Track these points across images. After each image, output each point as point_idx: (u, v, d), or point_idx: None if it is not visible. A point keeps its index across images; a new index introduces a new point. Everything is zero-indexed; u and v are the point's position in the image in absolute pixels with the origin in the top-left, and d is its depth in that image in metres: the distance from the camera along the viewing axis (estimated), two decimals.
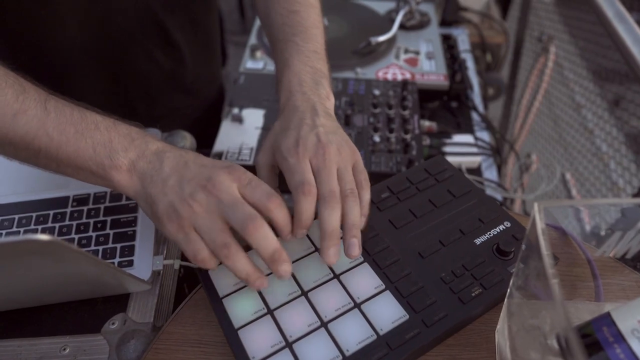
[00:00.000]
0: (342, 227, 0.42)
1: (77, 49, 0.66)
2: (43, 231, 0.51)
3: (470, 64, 0.92)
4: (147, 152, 0.43)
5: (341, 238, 0.42)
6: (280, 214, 0.41)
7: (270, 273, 0.43)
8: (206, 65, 0.83)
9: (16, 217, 0.53)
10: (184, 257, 0.49)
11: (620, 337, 0.31)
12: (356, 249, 0.42)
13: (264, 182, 0.45)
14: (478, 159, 0.72)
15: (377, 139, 0.66)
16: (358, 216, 0.42)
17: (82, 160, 0.42)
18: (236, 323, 0.41)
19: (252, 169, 0.46)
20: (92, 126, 0.42)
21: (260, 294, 0.43)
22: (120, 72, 0.72)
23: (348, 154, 0.45)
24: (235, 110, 0.72)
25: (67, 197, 0.54)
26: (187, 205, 0.39)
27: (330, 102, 0.51)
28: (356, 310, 0.41)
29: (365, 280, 0.43)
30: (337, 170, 0.43)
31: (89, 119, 0.43)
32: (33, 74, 0.44)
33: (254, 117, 0.71)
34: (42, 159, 0.43)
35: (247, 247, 0.41)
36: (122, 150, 0.42)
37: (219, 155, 0.65)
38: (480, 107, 0.83)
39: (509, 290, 0.38)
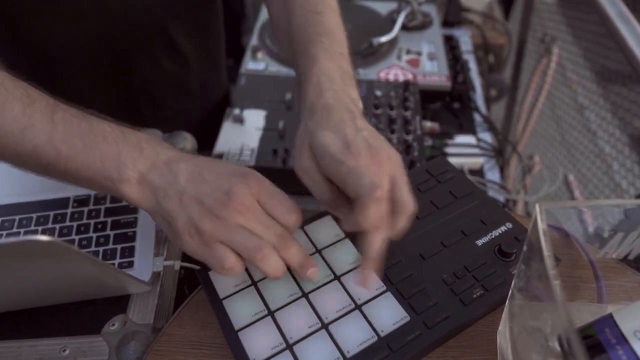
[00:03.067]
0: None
1: (83, 55, 0.66)
2: (43, 232, 0.51)
3: (472, 65, 0.92)
4: (158, 163, 0.41)
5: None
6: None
7: (264, 277, 0.43)
8: (211, 71, 0.83)
9: (17, 218, 0.53)
10: (184, 258, 0.49)
11: (622, 339, 0.30)
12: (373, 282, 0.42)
13: (316, 187, 0.41)
14: (480, 160, 0.72)
15: None
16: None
17: (91, 174, 0.41)
18: (236, 324, 0.41)
19: (254, 170, 0.46)
20: (99, 138, 0.41)
21: (260, 295, 0.43)
22: (125, 78, 0.72)
23: (397, 160, 0.41)
24: (237, 111, 0.72)
25: (68, 198, 0.54)
26: (209, 221, 0.38)
27: (360, 107, 0.47)
28: (357, 311, 0.41)
29: None
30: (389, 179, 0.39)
31: (96, 130, 0.42)
32: (40, 80, 0.44)
33: (255, 118, 0.71)
34: (51, 172, 0.43)
35: None
36: (130, 162, 0.41)
37: (219, 157, 0.65)
38: (483, 108, 0.83)
39: (510, 291, 0.38)
